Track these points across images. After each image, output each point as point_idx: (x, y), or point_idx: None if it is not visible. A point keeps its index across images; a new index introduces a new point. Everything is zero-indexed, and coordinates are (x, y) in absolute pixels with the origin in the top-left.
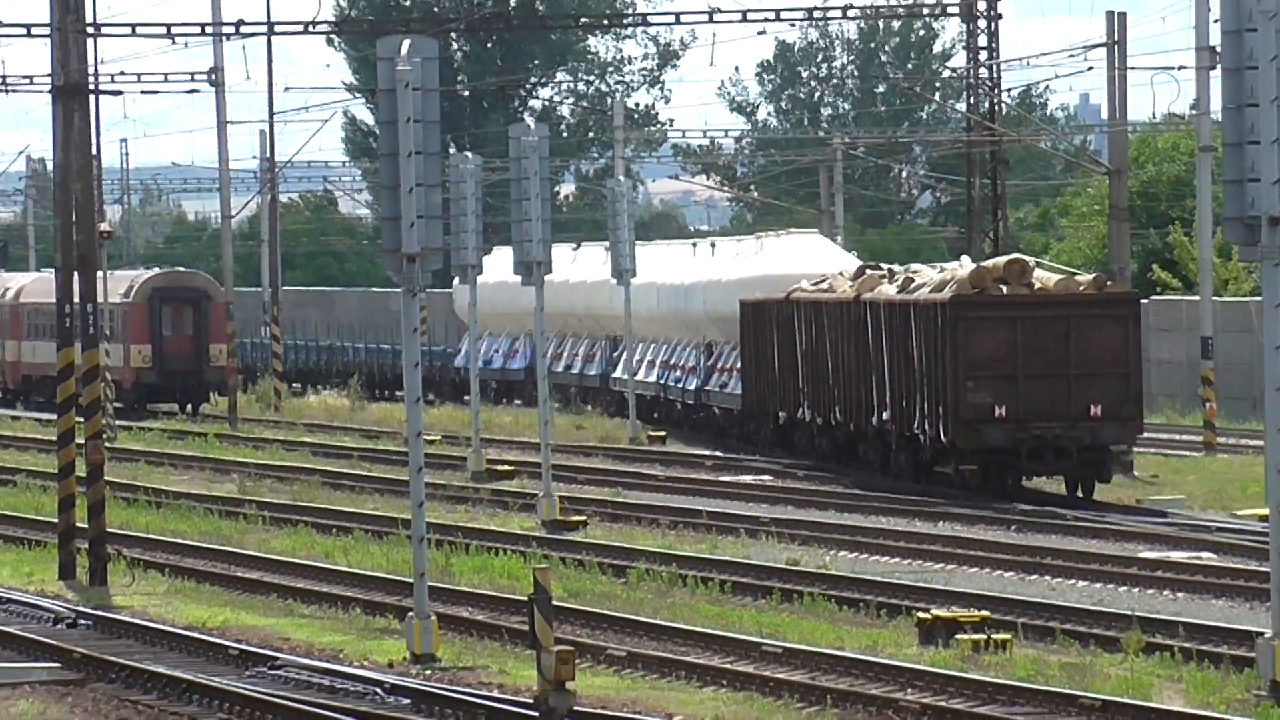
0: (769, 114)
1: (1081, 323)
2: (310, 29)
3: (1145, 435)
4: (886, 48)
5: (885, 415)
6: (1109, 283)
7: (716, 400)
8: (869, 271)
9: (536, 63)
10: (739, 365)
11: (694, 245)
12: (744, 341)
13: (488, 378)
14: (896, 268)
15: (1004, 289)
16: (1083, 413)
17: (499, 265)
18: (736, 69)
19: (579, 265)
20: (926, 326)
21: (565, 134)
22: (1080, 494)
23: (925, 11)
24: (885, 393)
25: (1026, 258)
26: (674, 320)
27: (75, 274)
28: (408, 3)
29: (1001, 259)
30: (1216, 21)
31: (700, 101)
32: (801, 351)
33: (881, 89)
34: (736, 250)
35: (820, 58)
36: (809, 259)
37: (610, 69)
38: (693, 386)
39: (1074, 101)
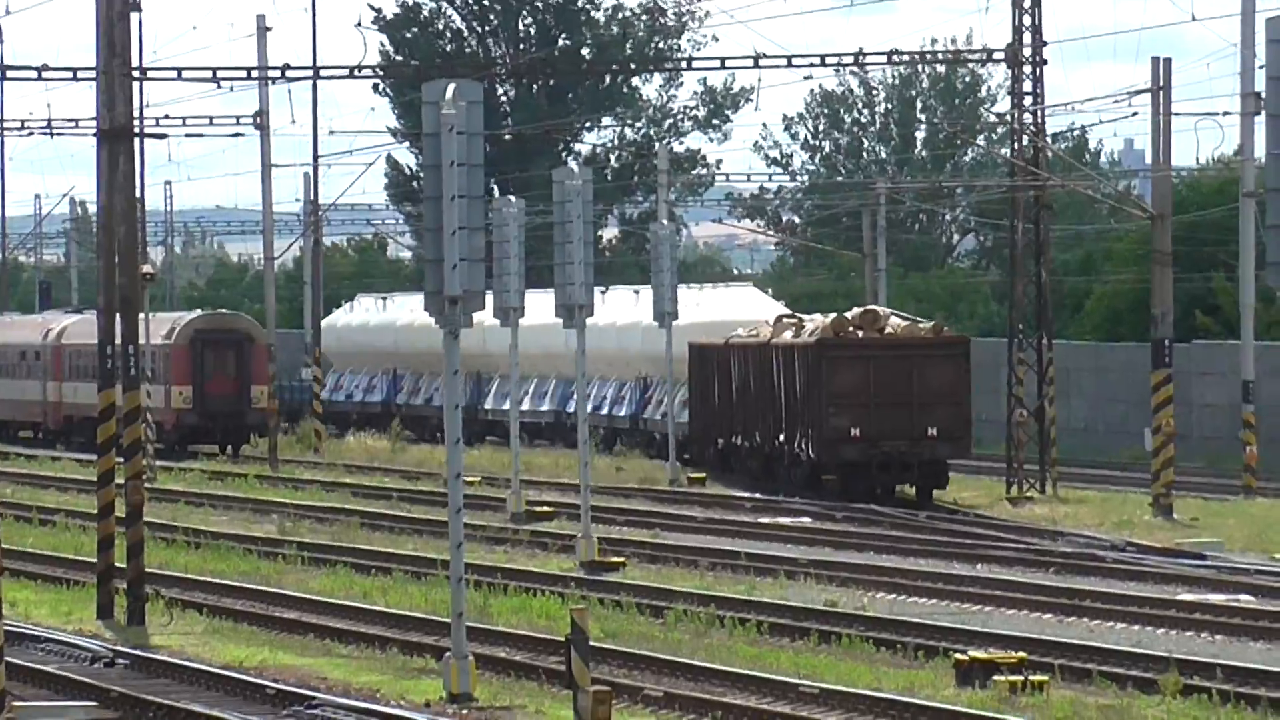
0: (804, 161)
1: (921, 362)
2: (355, 73)
3: (1185, 479)
4: (929, 92)
5: (781, 438)
6: (944, 329)
7: (653, 426)
8: (783, 320)
9: (581, 108)
10: (682, 396)
11: (636, 291)
12: (691, 378)
13: (530, 420)
14: (807, 317)
15: (860, 334)
16: (922, 434)
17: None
18: (765, 125)
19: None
20: (801, 365)
21: (609, 178)
22: (920, 497)
23: (971, 57)
24: (781, 419)
25: (879, 308)
26: (619, 359)
27: (118, 315)
28: (452, 48)
29: (858, 310)
30: (1262, 68)
31: (745, 145)
32: (736, 388)
33: (922, 133)
34: (681, 299)
35: (860, 104)
36: (743, 308)
37: (658, 114)
38: (625, 414)
39: (1118, 146)
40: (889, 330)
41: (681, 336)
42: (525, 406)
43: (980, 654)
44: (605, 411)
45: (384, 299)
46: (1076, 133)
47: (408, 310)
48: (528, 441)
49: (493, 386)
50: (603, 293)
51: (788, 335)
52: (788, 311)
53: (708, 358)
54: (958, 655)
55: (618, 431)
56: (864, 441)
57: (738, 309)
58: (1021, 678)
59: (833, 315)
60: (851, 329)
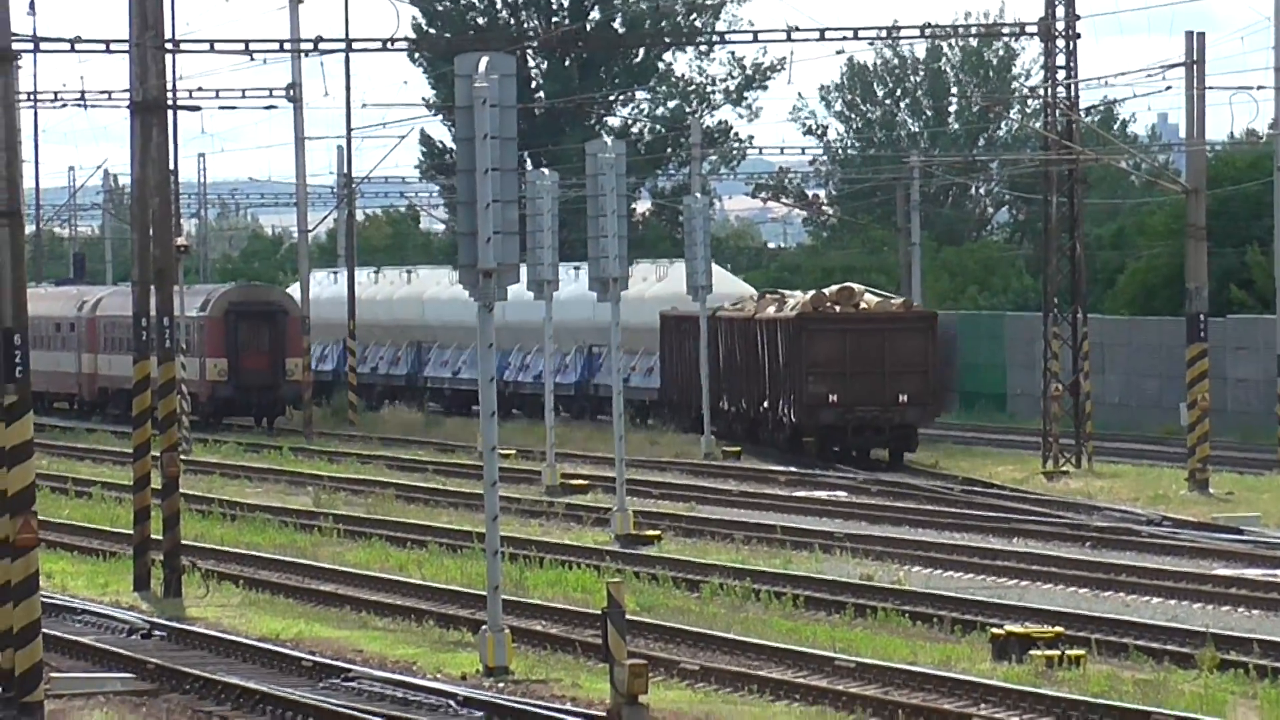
0: (839, 135)
1: (892, 334)
2: (389, 46)
3: (1220, 453)
4: (961, 66)
5: (765, 404)
6: (914, 304)
7: (605, 391)
8: (766, 295)
9: (614, 81)
10: (645, 365)
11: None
12: (664, 346)
13: (529, 392)
14: (788, 292)
15: (837, 309)
16: (893, 400)
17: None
18: (800, 95)
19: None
20: (784, 337)
21: (642, 151)
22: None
23: (1004, 31)
24: (765, 386)
25: (855, 286)
26: (588, 328)
27: (152, 288)
28: (485, 20)
29: (834, 287)
30: None
31: (778, 120)
32: (722, 356)
33: (954, 107)
34: (645, 274)
35: (893, 77)
36: (718, 284)
37: (690, 88)
38: (572, 380)
39: (1151, 120)
40: (863, 305)
41: (647, 306)
42: (464, 374)
43: (1016, 628)
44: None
45: (376, 271)
46: (1105, 107)
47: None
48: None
49: (431, 356)
50: (576, 269)
51: (771, 309)
52: (771, 288)
53: (685, 329)
54: (994, 629)
55: (562, 399)
56: (840, 407)
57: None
58: (1058, 652)
59: (812, 292)
60: (829, 304)
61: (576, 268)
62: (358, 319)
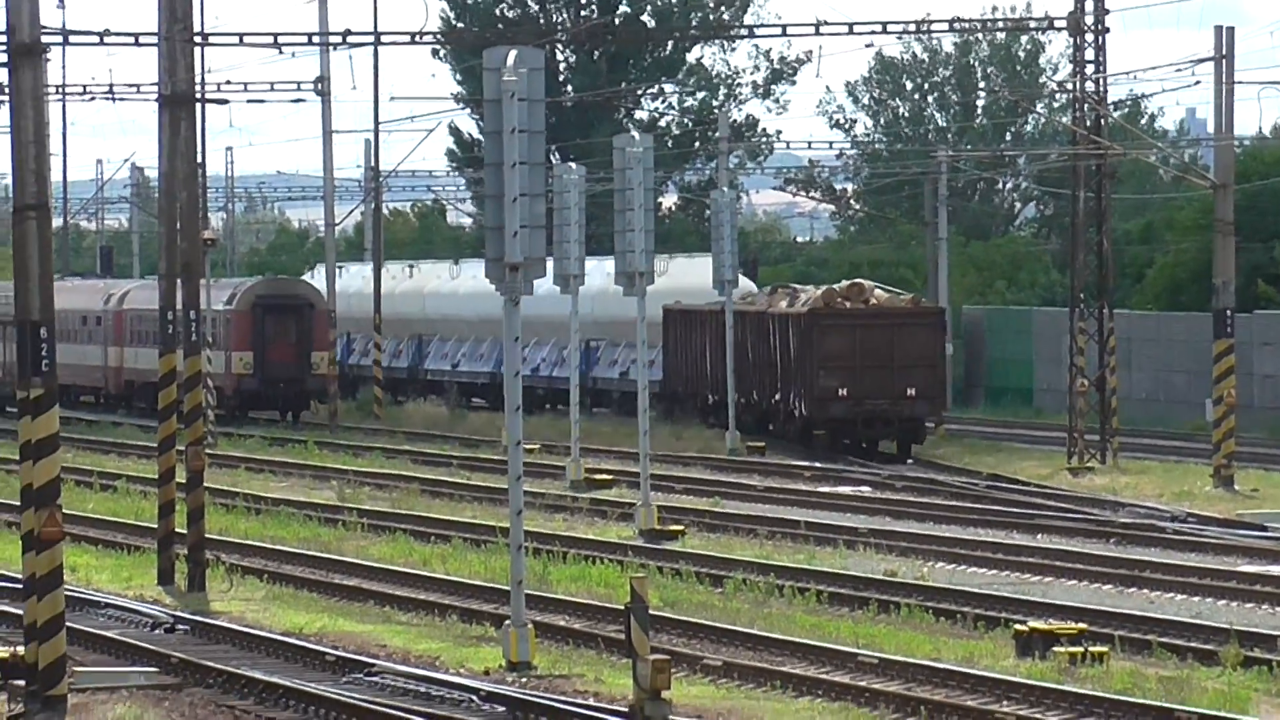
0: (867, 129)
1: (901, 329)
2: (417, 39)
3: (1246, 449)
4: (989, 60)
5: (776, 397)
6: (922, 300)
7: (603, 384)
8: (779, 290)
9: (642, 74)
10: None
11: (600, 260)
12: (667, 340)
13: (534, 385)
14: (800, 287)
15: (848, 304)
16: (902, 394)
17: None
18: (828, 88)
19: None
20: (795, 332)
21: (669, 145)
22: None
23: (1032, 25)
24: (777, 379)
25: (865, 282)
26: (585, 322)
27: (179, 281)
28: (514, 14)
29: (845, 283)
30: None
31: (806, 114)
32: (735, 350)
33: (982, 102)
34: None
35: (922, 71)
36: (705, 276)
37: (718, 81)
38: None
39: (1179, 115)
40: (873, 301)
41: (653, 303)
42: (463, 367)
43: (1040, 625)
44: (545, 373)
45: (411, 266)
46: (1133, 101)
47: (433, 278)
48: (551, 408)
49: (431, 348)
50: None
51: (783, 304)
52: (781, 283)
53: (693, 322)
54: (1017, 626)
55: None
56: (850, 400)
57: (696, 278)
58: (1081, 649)
59: (824, 287)
60: (840, 300)
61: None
62: (360, 314)
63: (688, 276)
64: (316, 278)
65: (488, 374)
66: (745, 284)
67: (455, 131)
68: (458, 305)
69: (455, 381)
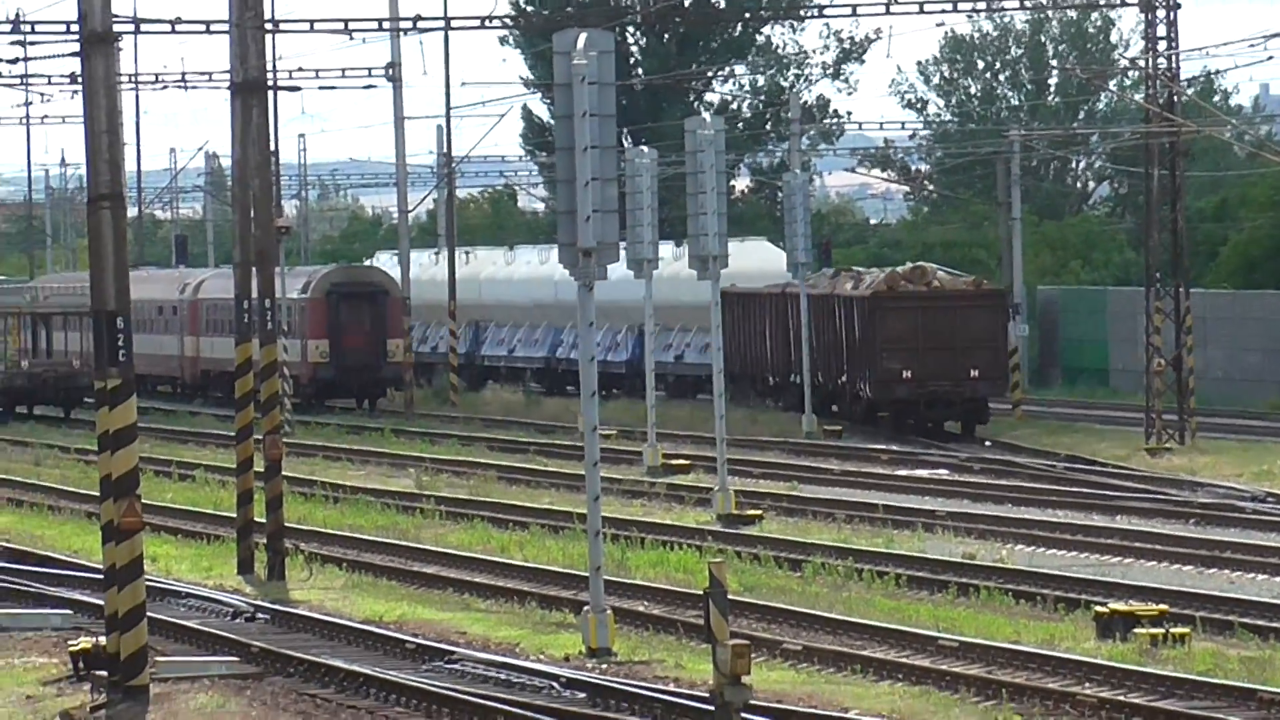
0: (940, 109)
1: (964, 312)
2: (487, 24)
3: None
4: (1060, 38)
5: (842, 379)
6: (984, 282)
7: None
8: (843, 273)
9: (713, 56)
10: (699, 342)
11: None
12: (727, 323)
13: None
14: (863, 270)
15: (910, 287)
16: (965, 375)
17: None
18: (899, 68)
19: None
20: (859, 314)
21: (741, 127)
22: (964, 431)
23: (1102, 2)
24: (842, 361)
25: (927, 265)
26: (637, 308)
27: (253, 269)
28: None
29: (908, 265)
30: None
31: (878, 95)
32: (793, 330)
33: (1054, 80)
34: None
35: (993, 50)
36: (759, 260)
37: (788, 63)
38: (623, 359)
39: (1255, 91)
40: (935, 283)
41: (704, 287)
42: (519, 353)
43: (1120, 606)
44: (603, 358)
45: (469, 251)
46: (1206, 77)
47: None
48: (606, 395)
49: (488, 334)
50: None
51: (848, 287)
52: (846, 266)
53: (751, 306)
54: (1098, 607)
55: (614, 377)
56: (914, 382)
57: (751, 261)
58: (1162, 630)
59: (887, 270)
60: (903, 282)
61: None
62: (418, 298)
63: (739, 261)
64: (381, 263)
65: (542, 359)
66: (776, 262)
67: (528, 115)
68: (512, 291)
69: (510, 367)
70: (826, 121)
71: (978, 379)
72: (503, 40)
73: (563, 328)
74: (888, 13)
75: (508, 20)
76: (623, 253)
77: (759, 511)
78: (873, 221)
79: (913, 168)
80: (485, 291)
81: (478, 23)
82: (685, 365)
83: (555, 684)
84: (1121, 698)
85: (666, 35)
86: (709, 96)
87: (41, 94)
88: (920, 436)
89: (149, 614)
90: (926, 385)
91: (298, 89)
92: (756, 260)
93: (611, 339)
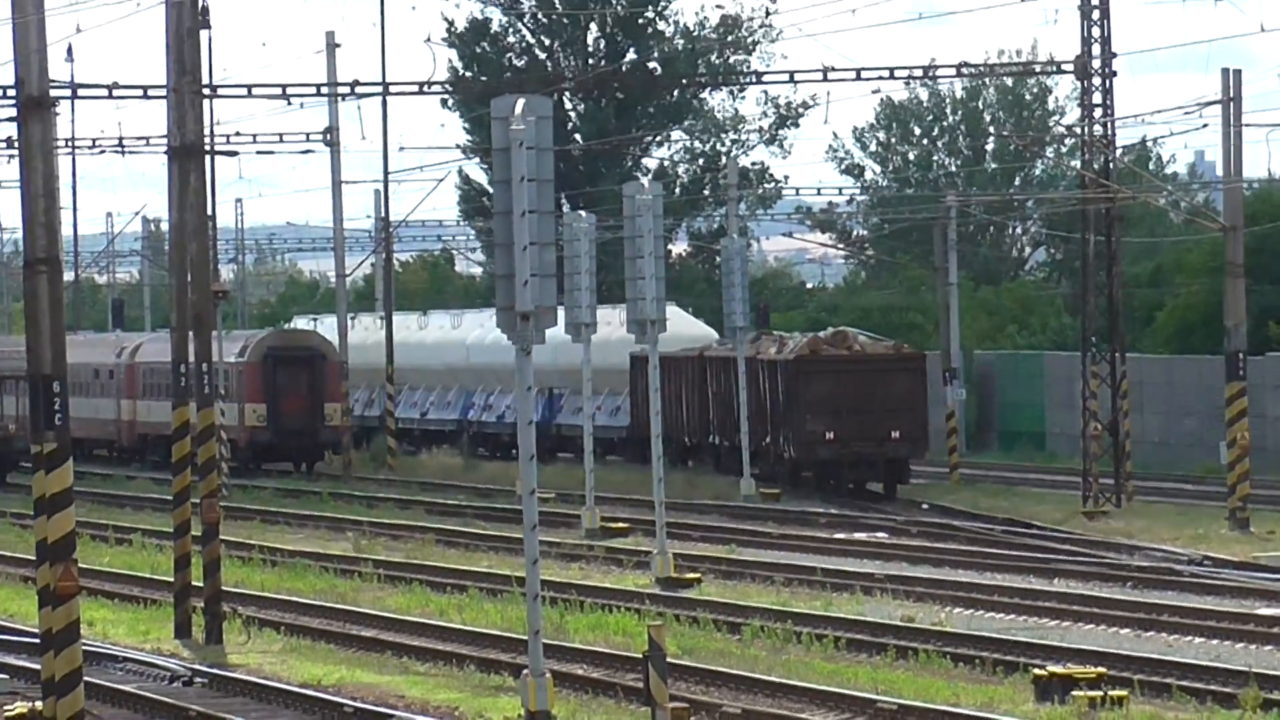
0: (875, 174)
1: (884, 375)
2: (425, 89)
3: (1260, 492)
4: (996, 105)
5: (767, 439)
6: (904, 347)
7: (568, 431)
8: (764, 337)
9: (650, 121)
10: (610, 405)
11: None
12: (634, 386)
13: (500, 431)
14: (785, 335)
15: (832, 351)
16: (886, 436)
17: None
18: (835, 134)
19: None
20: (783, 377)
21: (678, 192)
22: (885, 491)
23: (1038, 69)
24: (766, 423)
25: (848, 330)
26: (550, 370)
27: (190, 334)
28: (521, 63)
29: (829, 330)
30: None
31: (814, 159)
32: (713, 393)
33: (991, 146)
34: (609, 318)
35: (930, 116)
36: (672, 326)
37: (726, 128)
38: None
39: (1189, 158)
40: (856, 348)
41: (617, 350)
42: (431, 415)
43: (1059, 669)
44: (510, 419)
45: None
46: (1140, 145)
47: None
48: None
49: (401, 397)
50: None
51: (771, 350)
52: (766, 330)
53: (666, 368)
54: (1036, 670)
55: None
56: (836, 443)
57: (669, 324)
58: (1100, 693)
59: (810, 335)
60: (825, 347)
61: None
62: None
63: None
64: (318, 326)
65: (454, 421)
66: (706, 330)
67: (466, 179)
68: (425, 355)
69: (424, 430)
70: (764, 186)
71: (899, 440)
72: (443, 103)
73: (474, 390)
74: (825, 79)
75: (445, 85)
76: (560, 317)
77: (698, 575)
78: (810, 286)
79: (853, 231)
80: (399, 355)
81: (415, 88)
82: (596, 427)
83: None
84: None
85: (604, 101)
86: (646, 161)
87: None
88: (843, 496)
89: (86, 678)
90: (850, 446)
91: (235, 153)
92: (670, 325)
93: (440, 397)
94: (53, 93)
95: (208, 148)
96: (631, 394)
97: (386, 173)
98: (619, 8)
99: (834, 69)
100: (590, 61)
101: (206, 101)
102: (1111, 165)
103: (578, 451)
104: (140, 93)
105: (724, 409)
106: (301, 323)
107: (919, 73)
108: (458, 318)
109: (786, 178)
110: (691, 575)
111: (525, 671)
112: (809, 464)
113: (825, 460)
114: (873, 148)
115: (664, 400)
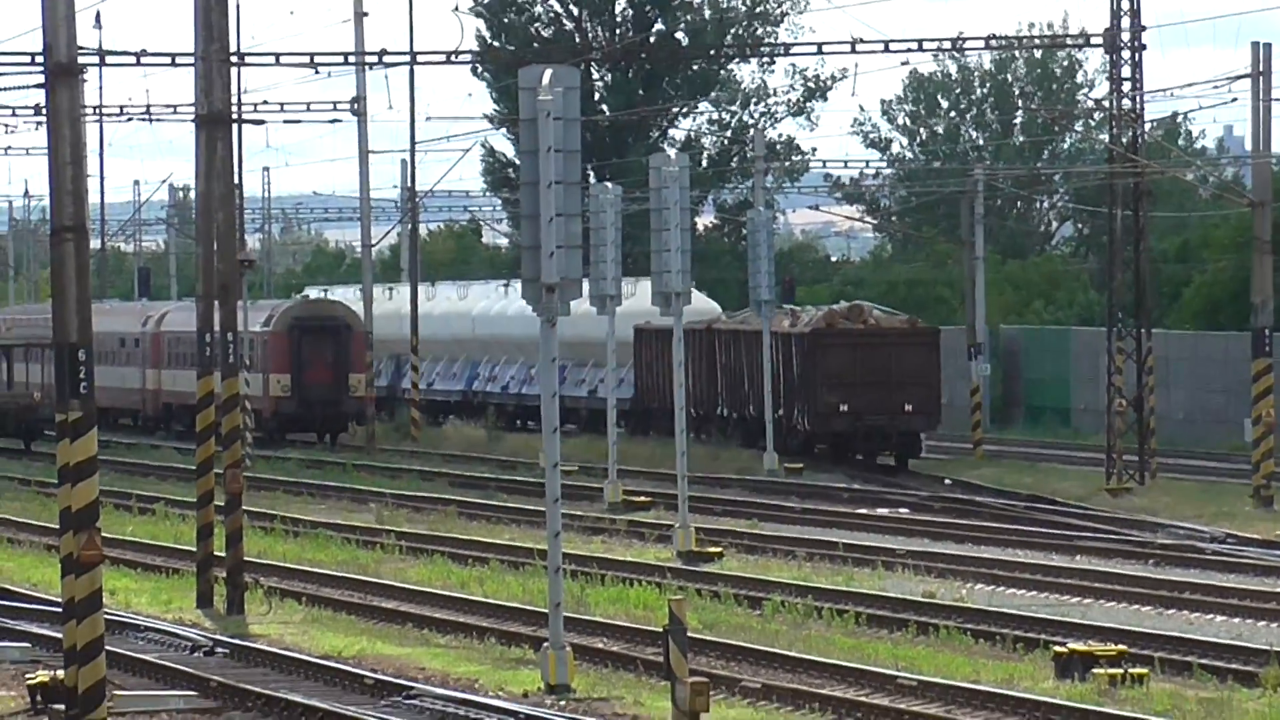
0: (902, 147)
1: (899, 348)
2: (452, 59)
3: None
4: (1025, 78)
5: (780, 411)
6: (918, 321)
7: (570, 403)
8: (776, 311)
9: (677, 93)
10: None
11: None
12: (639, 358)
13: (504, 402)
14: (798, 308)
15: (848, 325)
16: (899, 409)
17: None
18: (862, 107)
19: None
20: (799, 350)
21: (705, 163)
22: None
23: (1068, 42)
24: (780, 395)
25: (864, 304)
26: (526, 343)
27: (216, 303)
28: (549, 33)
29: (845, 304)
30: None
31: (842, 132)
32: (721, 365)
33: (1019, 120)
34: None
35: (958, 89)
36: None
37: (753, 99)
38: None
39: (1219, 133)
40: (871, 322)
41: (622, 323)
42: (437, 386)
43: (1079, 646)
44: (514, 390)
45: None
46: (1169, 119)
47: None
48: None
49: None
50: (505, 286)
51: (785, 324)
52: (714, 304)
53: (667, 340)
54: (1057, 647)
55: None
56: (851, 415)
57: None
58: (1121, 670)
59: (825, 308)
60: (841, 321)
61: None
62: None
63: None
64: (334, 295)
65: (459, 391)
66: (710, 304)
67: (490, 153)
68: (432, 326)
69: (429, 400)
70: (791, 160)
71: (912, 413)
72: (473, 71)
73: (479, 361)
74: (853, 51)
75: (473, 55)
76: (585, 288)
77: (719, 549)
78: (835, 259)
79: (883, 202)
80: (404, 327)
81: (443, 58)
82: (599, 400)
83: None
84: None
85: (632, 71)
86: (673, 133)
87: (5, 125)
88: (861, 470)
89: (108, 647)
90: (863, 419)
91: (263, 122)
92: None
93: (525, 372)
94: (81, 60)
95: (235, 116)
96: (635, 366)
97: (413, 142)
98: None
99: (862, 41)
100: (618, 32)
101: (234, 70)
102: (1140, 140)
103: (579, 423)
104: (168, 60)
105: (732, 381)
106: (313, 293)
107: (948, 45)
108: (464, 289)
109: (814, 150)
110: (713, 549)
111: (546, 644)
112: (823, 436)
113: (839, 432)
114: (900, 121)
115: (662, 372)
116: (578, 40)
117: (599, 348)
